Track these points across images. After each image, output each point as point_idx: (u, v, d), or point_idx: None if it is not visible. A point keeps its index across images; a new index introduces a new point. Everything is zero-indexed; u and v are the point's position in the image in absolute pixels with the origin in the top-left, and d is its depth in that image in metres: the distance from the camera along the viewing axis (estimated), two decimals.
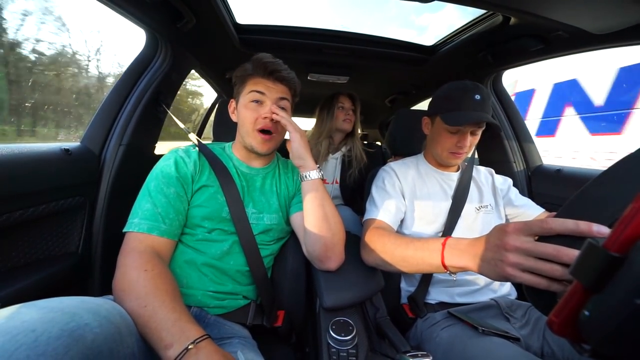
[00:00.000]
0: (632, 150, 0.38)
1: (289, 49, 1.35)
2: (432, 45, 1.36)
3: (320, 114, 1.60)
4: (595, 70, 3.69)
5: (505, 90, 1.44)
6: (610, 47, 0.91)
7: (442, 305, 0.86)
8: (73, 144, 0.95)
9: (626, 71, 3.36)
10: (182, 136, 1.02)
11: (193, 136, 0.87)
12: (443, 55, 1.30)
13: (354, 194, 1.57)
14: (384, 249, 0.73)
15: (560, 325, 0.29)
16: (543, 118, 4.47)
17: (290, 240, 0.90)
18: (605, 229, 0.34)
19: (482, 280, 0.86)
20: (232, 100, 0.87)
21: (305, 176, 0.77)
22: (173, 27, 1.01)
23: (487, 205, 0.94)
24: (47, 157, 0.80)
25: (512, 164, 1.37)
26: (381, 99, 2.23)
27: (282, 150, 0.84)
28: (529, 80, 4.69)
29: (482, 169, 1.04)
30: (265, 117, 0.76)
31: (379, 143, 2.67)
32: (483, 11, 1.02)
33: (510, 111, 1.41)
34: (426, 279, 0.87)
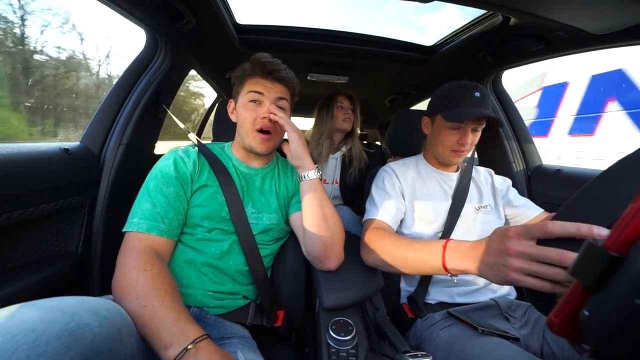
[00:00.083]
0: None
1: (288, 49, 1.35)
2: (432, 46, 1.36)
3: (320, 115, 1.60)
4: None
5: (505, 90, 1.44)
6: (610, 47, 0.91)
7: (442, 305, 0.86)
8: (73, 143, 0.95)
9: None
10: (182, 136, 1.02)
11: (192, 136, 0.87)
12: (443, 56, 1.30)
13: (353, 193, 1.57)
14: (384, 249, 0.73)
15: (560, 325, 0.29)
16: (579, 115, 3.87)
17: (290, 240, 0.90)
18: (605, 231, 0.34)
19: (481, 280, 0.86)
20: (231, 100, 0.87)
21: (304, 176, 0.77)
22: (173, 27, 1.01)
23: (486, 206, 0.94)
24: (46, 156, 0.80)
25: (512, 164, 1.37)
26: (381, 99, 2.23)
27: (281, 150, 0.84)
28: (561, 73, 4.11)
29: (481, 169, 1.04)
30: (264, 117, 0.76)
31: (378, 143, 2.67)
32: (483, 11, 1.02)
33: (510, 111, 1.41)
34: (426, 279, 0.87)
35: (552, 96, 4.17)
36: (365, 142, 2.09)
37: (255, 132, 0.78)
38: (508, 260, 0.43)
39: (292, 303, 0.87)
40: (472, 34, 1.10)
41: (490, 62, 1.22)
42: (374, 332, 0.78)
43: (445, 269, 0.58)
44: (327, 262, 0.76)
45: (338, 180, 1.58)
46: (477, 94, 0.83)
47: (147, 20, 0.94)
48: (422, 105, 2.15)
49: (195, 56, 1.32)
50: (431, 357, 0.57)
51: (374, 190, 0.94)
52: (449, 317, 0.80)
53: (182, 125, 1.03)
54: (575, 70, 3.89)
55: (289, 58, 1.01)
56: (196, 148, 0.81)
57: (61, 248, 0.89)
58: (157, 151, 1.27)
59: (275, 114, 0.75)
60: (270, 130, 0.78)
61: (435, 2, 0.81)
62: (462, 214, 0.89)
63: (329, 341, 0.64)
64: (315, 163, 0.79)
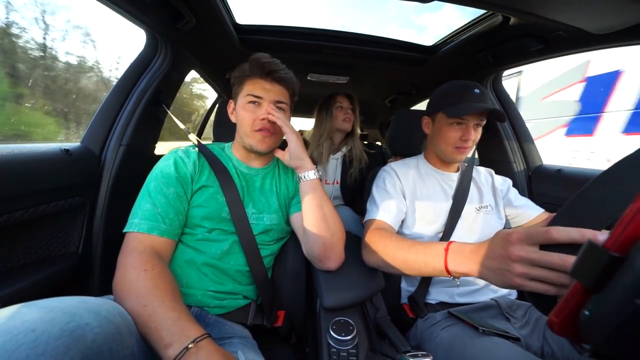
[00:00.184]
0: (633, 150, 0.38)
1: (288, 49, 1.35)
2: (432, 46, 1.36)
3: (319, 116, 1.59)
4: None
5: (505, 90, 1.44)
6: (610, 47, 0.91)
7: (443, 305, 0.86)
8: (73, 144, 0.95)
9: None
10: (182, 136, 1.02)
11: (193, 136, 0.87)
12: (443, 55, 1.30)
13: (354, 194, 1.57)
14: (385, 250, 0.73)
15: (560, 325, 0.29)
16: (637, 109, 3.21)
17: (291, 240, 0.90)
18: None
19: (482, 280, 0.86)
20: (230, 101, 0.87)
21: (303, 177, 0.77)
22: (173, 27, 1.01)
23: (487, 206, 0.94)
24: (47, 157, 0.80)
25: (512, 164, 1.37)
26: (381, 99, 2.23)
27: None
28: (611, 61, 3.39)
29: (481, 169, 1.04)
30: (263, 119, 0.77)
31: (379, 143, 2.67)
32: (483, 11, 1.02)
33: (510, 111, 1.41)
34: (426, 279, 0.87)
35: (599, 88, 3.51)
36: (365, 142, 2.09)
37: (254, 132, 0.78)
38: (511, 266, 0.43)
39: (292, 303, 0.87)
40: (472, 33, 1.10)
41: (490, 62, 1.22)
42: (375, 332, 0.78)
43: (448, 272, 0.58)
44: (327, 262, 0.76)
45: (339, 181, 1.58)
46: (477, 91, 0.84)
47: (147, 20, 0.94)
48: (422, 105, 2.15)
49: (195, 56, 1.32)
50: (432, 357, 0.57)
51: (375, 191, 0.94)
52: (449, 317, 0.80)
53: (182, 126, 1.04)
54: (631, 56, 3.14)
55: (289, 58, 1.01)
56: (196, 148, 0.81)
57: (61, 248, 0.89)
58: (157, 151, 1.27)
59: (273, 115, 0.75)
60: (270, 131, 0.78)
61: (435, 2, 0.81)
62: (462, 214, 0.89)
63: (330, 341, 0.64)
64: (315, 164, 0.79)
